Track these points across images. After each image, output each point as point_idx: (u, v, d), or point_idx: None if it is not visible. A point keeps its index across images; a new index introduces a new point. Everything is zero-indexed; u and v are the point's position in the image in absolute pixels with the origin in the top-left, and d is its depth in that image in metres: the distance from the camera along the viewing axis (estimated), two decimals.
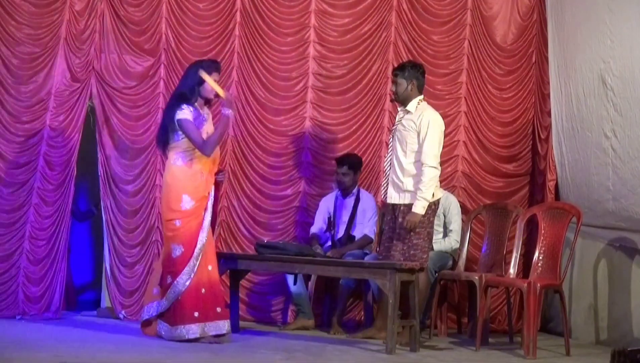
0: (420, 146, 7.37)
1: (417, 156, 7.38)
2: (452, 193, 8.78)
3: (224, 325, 7.15)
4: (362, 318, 8.74)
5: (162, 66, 8.65)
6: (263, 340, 7.51)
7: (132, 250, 8.51)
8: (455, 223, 8.44)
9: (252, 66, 8.86)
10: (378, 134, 8.99)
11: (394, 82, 7.62)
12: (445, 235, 8.43)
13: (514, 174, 9.19)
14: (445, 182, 8.86)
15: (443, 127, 7.54)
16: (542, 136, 9.01)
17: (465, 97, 9.13)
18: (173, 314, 7.10)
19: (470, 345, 7.69)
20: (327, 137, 8.96)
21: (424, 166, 7.31)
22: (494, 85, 9.18)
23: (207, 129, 7.25)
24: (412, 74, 7.53)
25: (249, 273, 8.49)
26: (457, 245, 8.42)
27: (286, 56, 8.95)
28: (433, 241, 8.08)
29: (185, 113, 7.13)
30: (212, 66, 7.32)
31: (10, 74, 8.30)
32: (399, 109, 7.65)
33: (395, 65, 8.50)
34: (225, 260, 7.79)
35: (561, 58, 8.71)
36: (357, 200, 8.52)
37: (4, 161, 8.23)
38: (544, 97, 8.99)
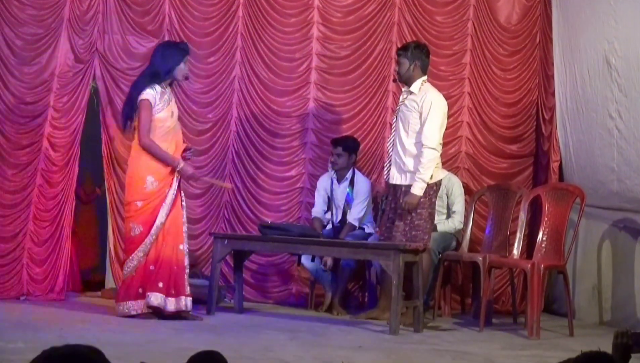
0: (422, 127, 7.36)
1: (419, 137, 7.37)
2: (455, 174, 8.77)
3: (163, 299, 7.17)
4: (365, 299, 8.75)
5: None
6: (267, 321, 7.53)
7: None
8: (459, 204, 8.43)
9: (255, 47, 8.84)
10: (382, 115, 8.98)
11: (397, 62, 7.60)
12: (448, 216, 8.43)
13: (518, 155, 9.18)
14: (449, 163, 8.85)
15: (446, 109, 7.52)
16: (546, 117, 8.99)
17: (468, 78, 9.11)
18: (121, 291, 7.28)
19: (473, 325, 7.69)
20: (331, 118, 8.96)
21: (424, 147, 7.29)
22: (497, 66, 9.15)
23: (172, 108, 7.36)
24: (416, 54, 7.50)
25: (253, 254, 8.50)
26: (461, 226, 8.41)
27: (290, 37, 8.94)
28: (436, 222, 8.11)
29: (149, 94, 7.22)
30: (187, 50, 7.43)
31: (14, 55, 8.29)
32: (402, 89, 7.64)
33: (399, 46, 8.49)
34: (229, 241, 7.80)
35: (565, 39, 8.68)
36: (352, 185, 8.47)
37: (8, 142, 8.23)
38: (548, 78, 8.97)
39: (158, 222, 7.17)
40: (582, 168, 8.42)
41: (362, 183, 8.47)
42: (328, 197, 8.53)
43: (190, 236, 8.62)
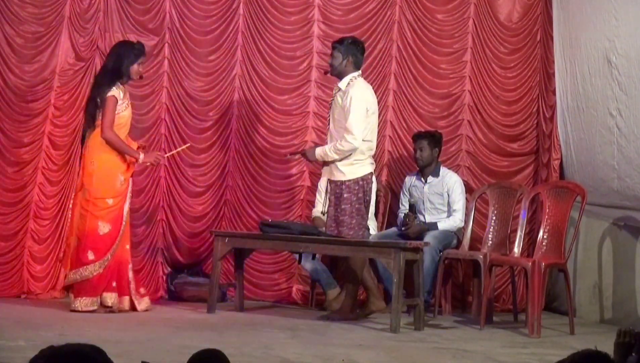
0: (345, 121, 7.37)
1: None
2: (456, 172, 8.76)
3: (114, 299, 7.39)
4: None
5: (166, 45, 8.64)
6: (267, 319, 7.53)
7: (137, 229, 8.50)
8: (459, 202, 8.42)
9: (256, 45, 8.83)
10: (382, 113, 8.94)
11: (332, 55, 7.62)
12: (449, 214, 8.42)
13: (519, 153, 9.16)
14: (450, 161, 8.86)
15: (369, 105, 7.47)
16: (547, 115, 8.98)
17: (469, 76, 9.09)
18: (90, 286, 7.31)
19: (474, 323, 7.70)
20: None
21: (345, 137, 7.31)
22: (498, 64, 9.14)
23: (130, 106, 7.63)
24: (351, 49, 7.52)
25: (254, 252, 8.50)
26: (462, 224, 8.41)
27: (290, 35, 8.93)
28: (437, 220, 8.15)
29: (115, 92, 7.40)
30: (143, 51, 7.65)
31: (15, 53, 8.28)
32: (335, 85, 7.68)
33: (400, 44, 8.49)
34: (230, 239, 7.80)
35: (566, 37, 8.68)
36: None
37: (9, 140, 8.22)
38: (549, 75, 8.96)
39: (124, 222, 7.40)
40: (583, 166, 8.42)
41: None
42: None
43: (191, 234, 8.67)
